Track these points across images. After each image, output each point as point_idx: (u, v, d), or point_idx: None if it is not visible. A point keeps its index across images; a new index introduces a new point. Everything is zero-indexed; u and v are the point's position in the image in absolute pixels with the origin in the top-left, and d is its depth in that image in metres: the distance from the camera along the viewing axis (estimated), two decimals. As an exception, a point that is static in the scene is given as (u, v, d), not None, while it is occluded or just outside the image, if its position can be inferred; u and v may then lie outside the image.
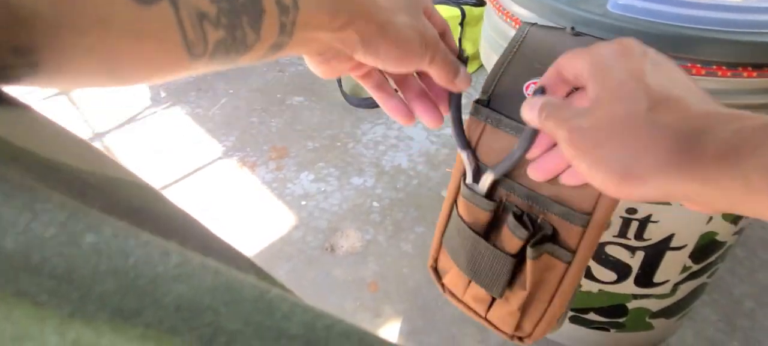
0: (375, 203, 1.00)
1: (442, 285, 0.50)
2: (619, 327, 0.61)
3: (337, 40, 0.29)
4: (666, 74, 0.28)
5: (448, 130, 1.16)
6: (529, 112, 0.32)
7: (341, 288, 0.83)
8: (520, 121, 0.38)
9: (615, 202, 0.41)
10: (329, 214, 0.98)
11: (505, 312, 0.45)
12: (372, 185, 1.05)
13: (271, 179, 1.09)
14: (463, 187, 0.42)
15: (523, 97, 0.43)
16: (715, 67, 0.36)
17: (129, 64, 0.18)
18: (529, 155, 0.35)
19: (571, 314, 0.63)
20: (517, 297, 0.43)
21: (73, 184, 0.12)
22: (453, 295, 0.48)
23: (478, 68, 1.41)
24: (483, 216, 0.39)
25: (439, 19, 0.38)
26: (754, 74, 0.36)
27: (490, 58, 0.50)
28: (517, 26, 0.43)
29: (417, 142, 1.14)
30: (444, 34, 0.38)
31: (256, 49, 0.23)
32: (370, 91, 0.35)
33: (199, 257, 0.11)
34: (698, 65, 0.36)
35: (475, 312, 0.47)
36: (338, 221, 0.97)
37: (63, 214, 0.10)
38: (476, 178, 0.41)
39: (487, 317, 0.46)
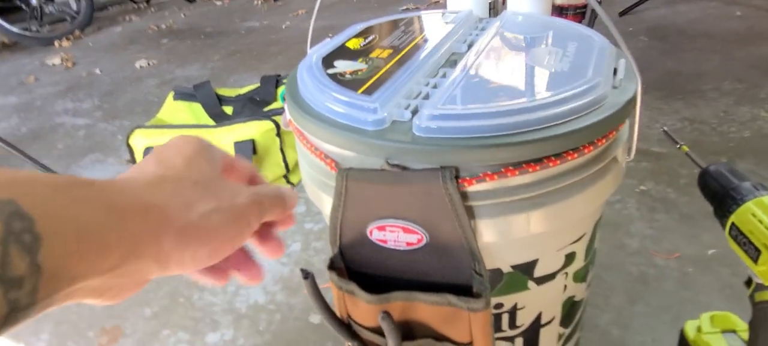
0: (239, 358, 0.88)
1: None
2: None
3: (117, 277, 0.22)
4: None
5: (296, 246, 1.10)
6: None
7: None
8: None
9: (487, 326, 0.40)
10: (187, 392, 0.83)
11: None
12: (232, 336, 0.92)
13: (106, 373, 0.90)
14: None
15: (370, 243, 0.40)
16: (524, 165, 0.37)
17: None
18: None
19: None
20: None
21: None
22: None
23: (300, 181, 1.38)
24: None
25: (243, 165, 0.32)
26: (557, 162, 0.37)
27: (316, 194, 0.46)
28: (334, 171, 0.39)
29: (268, 270, 1.05)
30: (254, 179, 0.33)
31: None
32: None
33: None
34: (510, 166, 0.36)
35: None
36: (200, 397, 0.82)
37: None
38: None
39: None
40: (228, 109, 1.33)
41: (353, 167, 0.39)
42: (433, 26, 0.54)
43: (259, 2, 3.41)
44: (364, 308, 0.41)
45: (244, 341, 0.91)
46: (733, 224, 0.50)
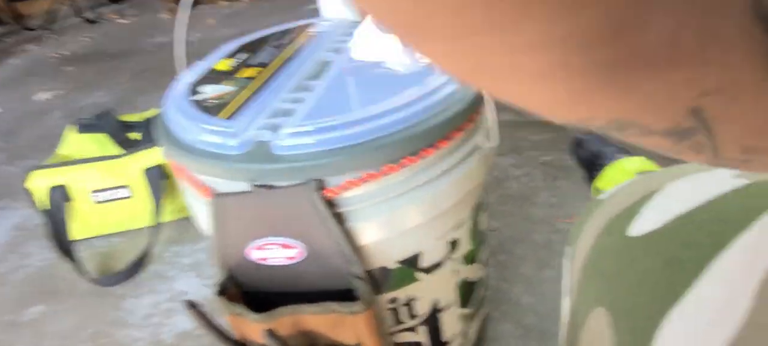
0: (169, 390, 0.86)
1: None
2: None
3: None
4: None
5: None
6: None
7: None
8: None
9: (372, 326, 0.41)
10: None
11: None
12: (159, 369, 0.90)
13: None
14: None
15: (251, 263, 0.41)
16: (384, 168, 0.38)
17: None
18: None
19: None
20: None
21: None
22: None
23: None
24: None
25: None
26: (417, 159, 0.39)
27: (203, 221, 0.46)
28: (208, 198, 0.40)
29: (192, 294, 1.03)
30: None
31: None
32: None
33: None
34: (372, 172, 0.38)
35: None
36: None
37: None
38: None
39: None
40: (136, 136, 1.28)
41: (223, 192, 0.39)
42: (305, 37, 0.54)
43: (166, 15, 3.28)
44: (255, 328, 0.42)
45: (174, 371, 0.89)
46: (597, 189, 0.54)
